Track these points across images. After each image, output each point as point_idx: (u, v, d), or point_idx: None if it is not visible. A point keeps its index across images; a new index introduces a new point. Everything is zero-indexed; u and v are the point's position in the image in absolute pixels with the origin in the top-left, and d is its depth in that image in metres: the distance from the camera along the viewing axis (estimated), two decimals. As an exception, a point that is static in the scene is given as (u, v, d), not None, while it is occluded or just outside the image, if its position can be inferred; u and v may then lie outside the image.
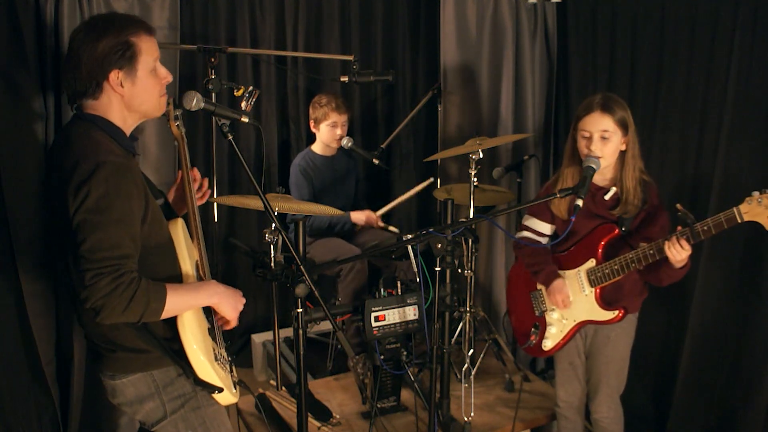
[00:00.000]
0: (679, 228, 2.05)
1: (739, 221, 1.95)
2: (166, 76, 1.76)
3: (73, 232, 1.55)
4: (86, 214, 1.53)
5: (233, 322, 1.85)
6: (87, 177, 1.53)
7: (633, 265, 2.17)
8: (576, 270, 2.35)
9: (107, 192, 1.54)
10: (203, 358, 1.70)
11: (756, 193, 1.92)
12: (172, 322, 1.68)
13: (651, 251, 2.12)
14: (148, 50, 1.69)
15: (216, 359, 1.76)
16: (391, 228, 3.40)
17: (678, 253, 2.05)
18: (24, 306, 2.41)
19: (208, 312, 1.81)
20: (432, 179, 3.43)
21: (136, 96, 1.69)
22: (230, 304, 1.79)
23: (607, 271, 2.25)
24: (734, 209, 1.95)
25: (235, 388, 1.85)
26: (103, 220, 1.53)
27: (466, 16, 3.39)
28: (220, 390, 1.74)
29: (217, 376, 1.73)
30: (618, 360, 2.40)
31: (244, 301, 1.84)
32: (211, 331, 1.80)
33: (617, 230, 2.26)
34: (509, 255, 3.58)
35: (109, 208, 1.54)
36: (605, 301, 2.31)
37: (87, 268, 1.52)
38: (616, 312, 2.28)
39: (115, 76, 1.65)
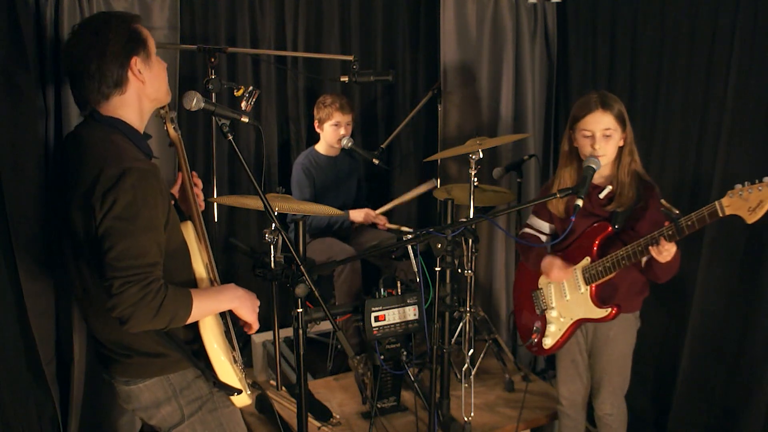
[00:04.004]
0: (666, 223, 2.05)
1: (721, 215, 1.93)
2: (163, 62, 1.79)
3: (98, 240, 1.52)
4: (113, 221, 1.51)
5: (255, 325, 1.83)
6: (113, 184, 1.51)
7: (623, 262, 2.17)
8: (572, 268, 2.35)
9: (134, 199, 1.52)
10: (224, 359, 1.70)
11: (738, 186, 1.90)
12: (193, 324, 1.68)
13: (639, 248, 2.12)
14: (149, 37, 1.71)
15: (234, 361, 1.76)
16: (396, 226, 3.38)
17: (659, 252, 2.06)
18: (24, 306, 2.41)
19: (222, 314, 1.81)
20: (435, 183, 3.41)
21: (152, 82, 1.70)
22: (249, 307, 1.78)
23: (600, 268, 2.25)
24: (716, 203, 1.94)
25: (249, 390, 1.84)
26: (130, 228, 1.51)
27: (466, 16, 3.39)
28: (239, 392, 1.74)
29: (237, 378, 1.73)
30: (619, 358, 2.40)
31: (258, 303, 1.84)
32: (227, 334, 1.80)
33: (610, 228, 2.26)
34: (509, 255, 3.58)
35: (137, 215, 1.52)
36: (600, 298, 2.32)
37: (115, 276, 1.50)
38: (609, 310, 2.28)
39: (134, 63, 1.65)
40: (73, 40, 1.65)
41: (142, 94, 1.70)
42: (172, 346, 1.70)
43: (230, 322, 1.85)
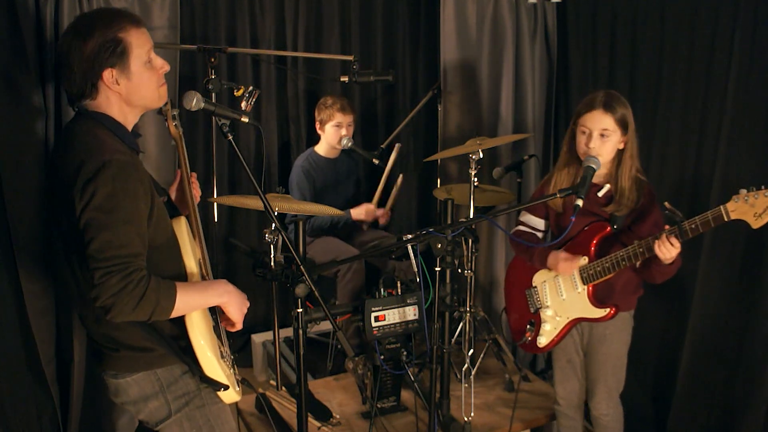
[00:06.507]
0: (667, 227, 2.05)
1: (726, 219, 1.94)
2: (163, 65, 1.73)
3: (80, 232, 1.54)
4: (93, 212, 1.52)
5: (238, 325, 1.83)
6: (93, 176, 1.52)
7: (623, 263, 2.17)
8: (577, 259, 2.34)
9: (114, 191, 1.53)
10: (210, 355, 1.69)
11: (743, 191, 1.90)
12: (180, 318, 1.68)
13: (641, 249, 2.12)
14: (139, 44, 1.65)
15: (221, 357, 1.76)
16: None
17: (668, 251, 2.05)
18: (24, 306, 2.41)
19: (212, 310, 1.81)
20: (400, 144, 3.44)
21: (134, 91, 1.67)
22: (237, 304, 1.78)
23: (598, 268, 2.25)
24: (721, 207, 1.94)
25: (239, 386, 1.85)
26: (110, 220, 1.52)
27: (466, 16, 3.39)
28: (226, 387, 1.74)
29: (223, 374, 1.73)
30: (614, 358, 2.40)
31: (248, 304, 1.84)
32: (216, 329, 1.80)
33: (609, 228, 2.26)
34: (509, 255, 3.58)
35: (117, 207, 1.53)
36: (597, 298, 2.32)
37: (96, 267, 1.51)
38: (608, 310, 2.28)
39: (109, 74, 1.63)
40: (63, 35, 1.66)
41: (121, 101, 1.69)
42: (159, 341, 1.71)
43: (219, 317, 1.85)
